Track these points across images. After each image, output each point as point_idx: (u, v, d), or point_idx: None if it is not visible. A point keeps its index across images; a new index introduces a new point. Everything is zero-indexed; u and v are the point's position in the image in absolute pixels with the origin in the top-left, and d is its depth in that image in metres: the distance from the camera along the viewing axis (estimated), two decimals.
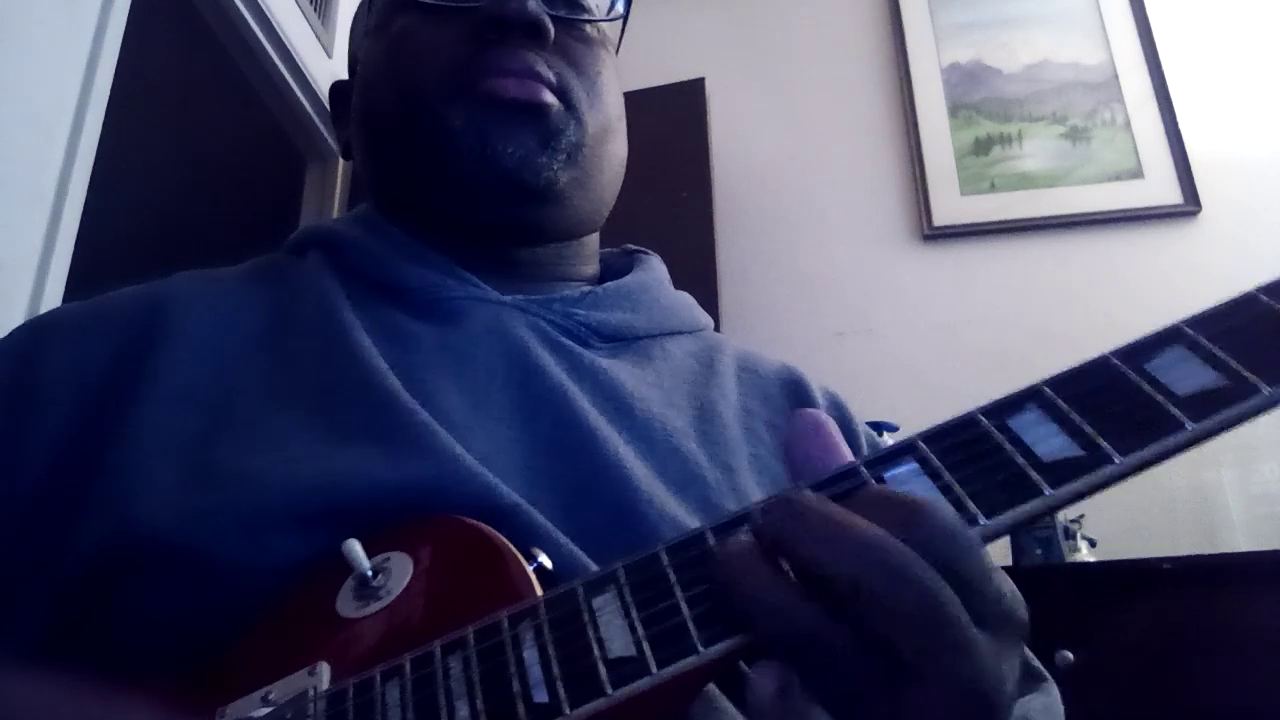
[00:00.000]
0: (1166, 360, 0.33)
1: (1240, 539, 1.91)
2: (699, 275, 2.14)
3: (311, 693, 0.35)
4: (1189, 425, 0.31)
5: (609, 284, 0.64)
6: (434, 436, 0.46)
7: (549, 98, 0.59)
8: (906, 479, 0.33)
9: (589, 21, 0.65)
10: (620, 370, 0.57)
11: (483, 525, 0.41)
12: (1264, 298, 0.33)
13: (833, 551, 0.29)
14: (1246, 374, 0.31)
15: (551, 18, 0.60)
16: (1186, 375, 0.32)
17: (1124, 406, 0.32)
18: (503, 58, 0.59)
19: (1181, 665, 1.43)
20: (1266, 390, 0.31)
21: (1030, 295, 2.23)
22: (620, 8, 0.67)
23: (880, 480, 0.33)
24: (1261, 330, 0.32)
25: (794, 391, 0.63)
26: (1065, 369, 0.34)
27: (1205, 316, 0.34)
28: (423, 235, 0.61)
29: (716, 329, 0.70)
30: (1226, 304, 0.34)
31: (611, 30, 0.68)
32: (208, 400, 0.50)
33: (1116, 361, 0.34)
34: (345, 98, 0.72)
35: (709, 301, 2.22)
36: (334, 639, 0.39)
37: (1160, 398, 0.32)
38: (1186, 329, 0.33)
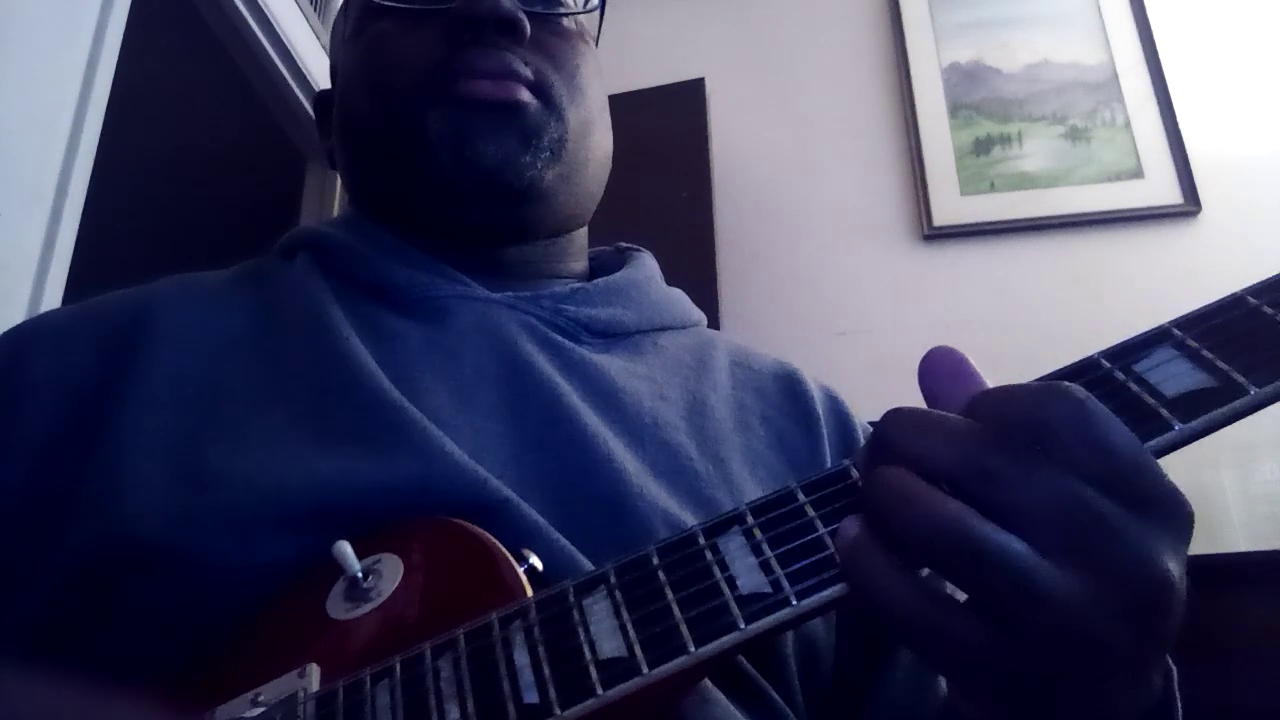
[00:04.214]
0: (1155, 360, 0.33)
1: (1240, 539, 1.90)
2: (699, 275, 2.13)
3: (301, 694, 0.35)
4: (1177, 425, 0.31)
5: (599, 280, 0.64)
6: (422, 434, 0.46)
7: (526, 96, 0.58)
8: None
9: (565, 14, 0.64)
10: (611, 364, 0.56)
11: (474, 526, 0.41)
12: (1251, 299, 0.34)
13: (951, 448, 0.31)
14: (1235, 375, 0.32)
15: (527, 13, 0.59)
16: (1174, 376, 0.33)
17: (1113, 407, 0.32)
18: (477, 58, 0.58)
19: (1180, 665, 1.43)
20: (1254, 391, 0.31)
21: (1030, 295, 2.22)
22: None
23: None
24: (1249, 330, 0.33)
25: (789, 386, 0.62)
26: (1052, 370, 0.35)
27: (1193, 317, 0.34)
28: (409, 237, 0.61)
29: (716, 329, 0.70)
30: (1214, 305, 0.34)
31: (589, 22, 0.67)
32: (195, 402, 0.49)
33: (1105, 362, 0.34)
34: (328, 106, 0.70)
35: (709, 301, 2.22)
36: (324, 641, 0.38)
37: (1149, 399, 0.32)
38: (1175, 330, 0.34)
